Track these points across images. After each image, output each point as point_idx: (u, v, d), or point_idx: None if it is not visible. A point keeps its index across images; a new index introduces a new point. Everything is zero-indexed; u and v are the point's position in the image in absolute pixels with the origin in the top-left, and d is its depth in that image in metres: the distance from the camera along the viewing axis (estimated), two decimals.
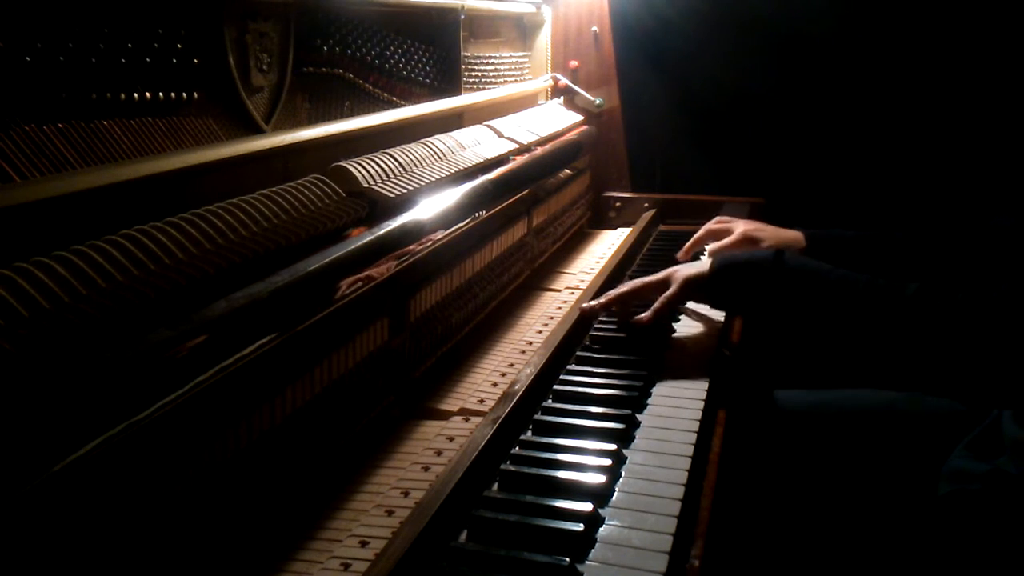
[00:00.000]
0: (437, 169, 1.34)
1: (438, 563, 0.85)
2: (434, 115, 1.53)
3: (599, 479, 0.98)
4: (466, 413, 1.17)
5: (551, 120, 2.00)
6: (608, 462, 1.01)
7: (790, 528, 1.42)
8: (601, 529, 0.90)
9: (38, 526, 0.61)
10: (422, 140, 1.40)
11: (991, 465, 1.26)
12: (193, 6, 1.02)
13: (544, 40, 2.25)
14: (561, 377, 1.27)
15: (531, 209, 1.74)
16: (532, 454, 1.05)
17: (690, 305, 1.55)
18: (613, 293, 1.43)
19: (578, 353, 1.36)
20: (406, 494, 0.96)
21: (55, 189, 0.77)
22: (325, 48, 1.30)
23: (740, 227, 1.66)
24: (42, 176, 0.79)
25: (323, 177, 1.09)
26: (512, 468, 1.01)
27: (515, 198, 1.58)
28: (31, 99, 0.81)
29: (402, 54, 1.53)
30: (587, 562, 0.85)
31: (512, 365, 1.32)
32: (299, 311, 0.90)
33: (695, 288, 1.38)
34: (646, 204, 2.28)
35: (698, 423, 1.14)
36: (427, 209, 1.21)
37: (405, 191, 1.20)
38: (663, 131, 2.53)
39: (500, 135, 1.67)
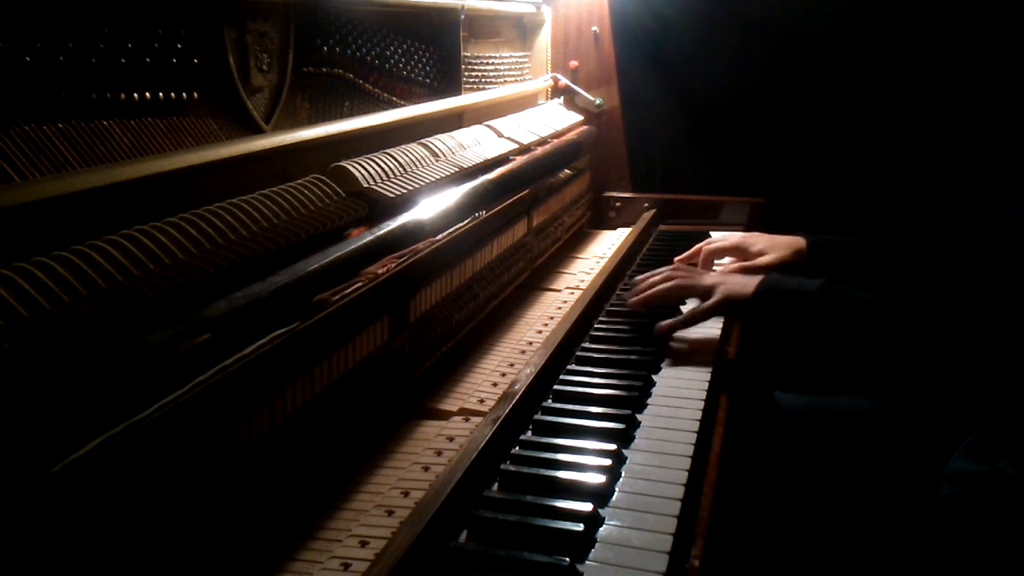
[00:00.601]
0: (437, 169, 1.34)
1: (438, 563, 0.85)
2: (434, 115, 1.53)
3: (599, 479, 0.98)
4: (466, 413, 1.17)
5: (551, 120, 2.00)
6: (608, 462, 1.01)
7: (790, 528, 1.42)
8: (601, 529, 0.90)
9: (38, 526, 0.61)
10: (422, 140, 1.40)
11: (991, 467, 1.26)
12: (193, 6, 1.02)
13: (544, 40, 2.25)
14: (561, 377, 1.27)
15: (531, 209, 1.74)
16: (532, 454, 1.05)
17: (690, 304, 1.55)
18: (657, 289, 1.43)
19: (578, 353, 1.37)
20: (406, 494, 0.96)
21: (55, 189, 0.77)
22: (325, 48, 1.30)
23: (736, 235, 1.66)
24: (42, 176, 0.79)
25: (323, 177, 1.09)
26: (512, 468, 1.01)
27: (515, 198, 1.58)
28: (31, 99, 0.81)
29: (402, 54, 1.53)
30: (587, 562, 0.85)
31: (512, 365, 1.32)
32: (299, 311, 0.90)
33: (735, 308, 1.37)
34: (646, 204, 2.27)
35: (698, 423, 1.14)
36: (427, 209, 1.21)
37: (405, 191, 1.20)
38: (663, 131, 2.53)
39: (500, 135, 1.67)
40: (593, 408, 1.16)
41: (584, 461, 1.02)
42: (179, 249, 0.82)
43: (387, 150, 1.27)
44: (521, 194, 1.62)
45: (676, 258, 1.75)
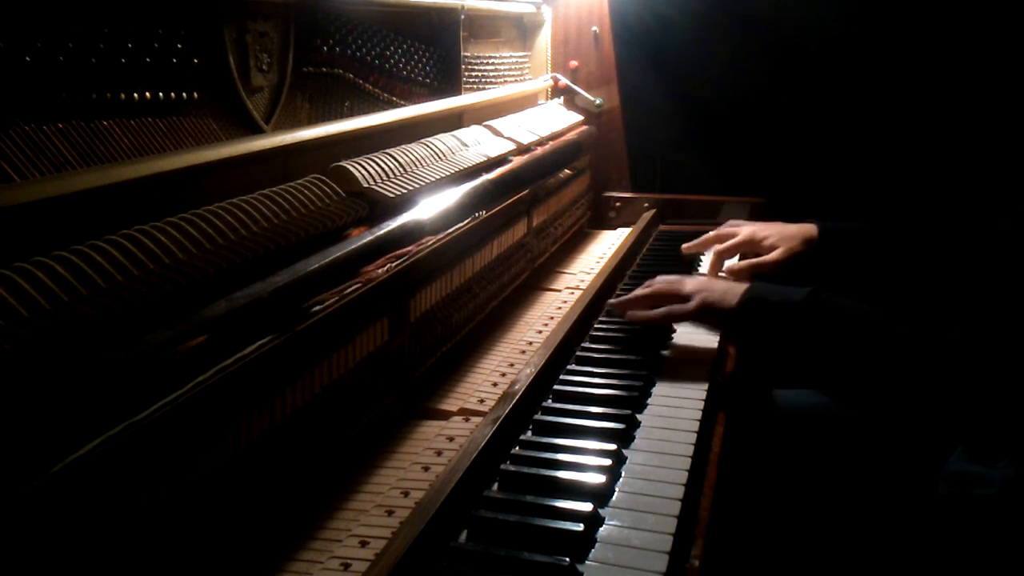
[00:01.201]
0: (437, 169, 1.34)
1: (438, 563, 0.85)
2: (434, 115, 1.53)
3: (599, 479, 0.98)
4: (466, 413, 1.17)
5: (551, 120, 2.00)
6: (608, 462, 1.01)
7: (790, 528, 1.43)
8: (601, 529, 0.90)
9: (38, 526, 0.61)
10: (422, 140, 1.40)
11: (990, 467, 1.26)
12: (193, 6, 1.02)
13: (544, 40, 2.24)
14: (561, 377, 1.27)
15: (531, 209, 1.74)
16: (532, 454, 1.05)
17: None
18: (635, 295, 1.41)
19: (578, 353, 1.36)
20: (406, 494, 0.96)
21: (55, 189, 0.77)
22: (325, 48, 1.30)
23: (747, 229, 1.65)
24: (42, 176, 0.79)
25: (323, 177, 1.09)
26: (512, 468, 1.01)
27: (515, 198, 1.58)
28: (31, 99, 0.81)
29: (402, 54, 1.53)
30: (587, 562, 0.85)
31: (512, 365, 1.32)
32: (299, 311, 0.90)
33: (714, 316, 1.32)
34: (646, 204, 2.28)
35: (698, 423, 1.14)
36: (427, 209, 1.21)
37: (405, 191, 1.20)
38: (663, 131, 2.53)
39: (500, 135, 1.67)
40: (593, 408, 1.16)
41: (584, 461, 1.02)
42: (179, 249, 0.82)
43: (387, 150, 1.27)
44: (521, 194, 1.62)
45: (684, 246, 1.74)
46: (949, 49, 2.30)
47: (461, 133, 1.54)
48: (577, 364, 1.33)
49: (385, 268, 1.07)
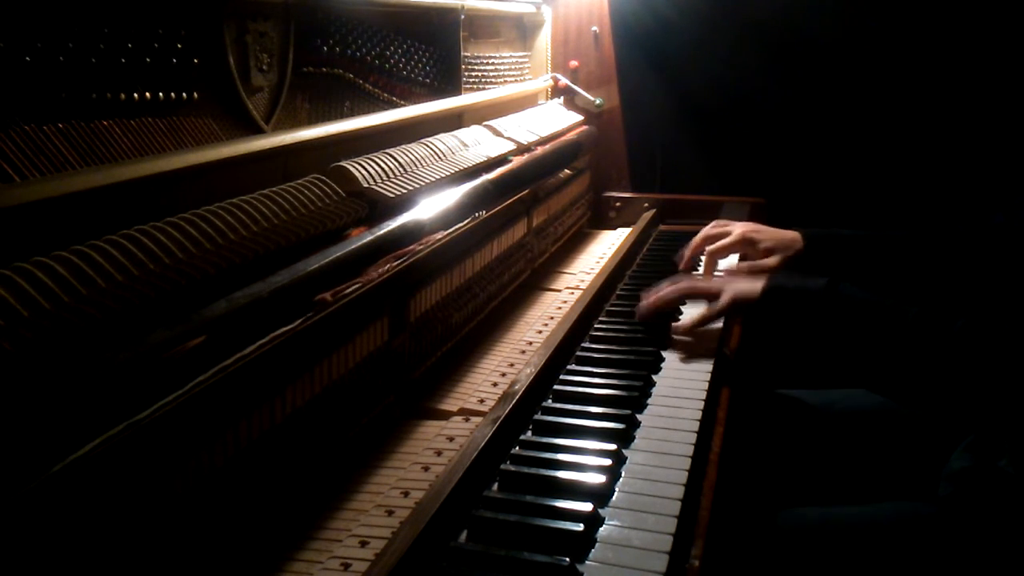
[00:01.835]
0: (437, 169, 1.34)
1: (438, 563, 0.85)
2: (434, 115, 1.53)
3: (599, 479, 0.98)
4: (466, 413, 1.17)
5: (551, 120, 2.00)
6: (608, 462, 1.01)
7: (790, 528, 1.42)
8: (601, 529, 0.90)
9: (38, 526, 0.61)
10: (422, 140, 1.40)
11: (991, 467, 1.26)
12: (193, 6, 1.02)
13: (544, 40, 2.25)
14: (561, 377, 1.27)
15: (531, 209, 1.74)
16: (532, 454, 1.05)
17: (690, 305, 1.55)
18: (664, 294, 1.45)
19: (578, 353, 1.36)
20: (406, 494, 0.96)
21: (55, 189, 0.77)
22: (325, 48, 1.30)
23: (738, 229, 1.66)
24: (42, 176, 0.79)
25: (323, 177, 1.09)
26: (512, 468, 1.01)
27: (515, 198, 1.58)
28: (31, 99, 0.81)
29: (402, 54, 1.53)
30: (587, 562, 0.85)
31: (512, 365, 1.32)
32: (299, 311, 0.90)
33: (742, 308, 1.39)
34: (646, 204, 2.28)
35: (698, 423, 1.14)
36: (427, 209, 1.21)
37: (405, 191, 1.20)
38: (663, 131, 2.53)
39: (500, 135, 1.67)
40: (593, 408, 1.16)
41: (584, 461, 1.02)
42: (179, 249, 0.82)
43: (387, 150, 1.27)
44: (521, 194, 1.62)
45: (680, 264, 1.75)
46: (947, 48, 2.30)
47: (461, 133, 1.54)
48: (577, 364, 1.33)
49: (385, 268, 1.07)
